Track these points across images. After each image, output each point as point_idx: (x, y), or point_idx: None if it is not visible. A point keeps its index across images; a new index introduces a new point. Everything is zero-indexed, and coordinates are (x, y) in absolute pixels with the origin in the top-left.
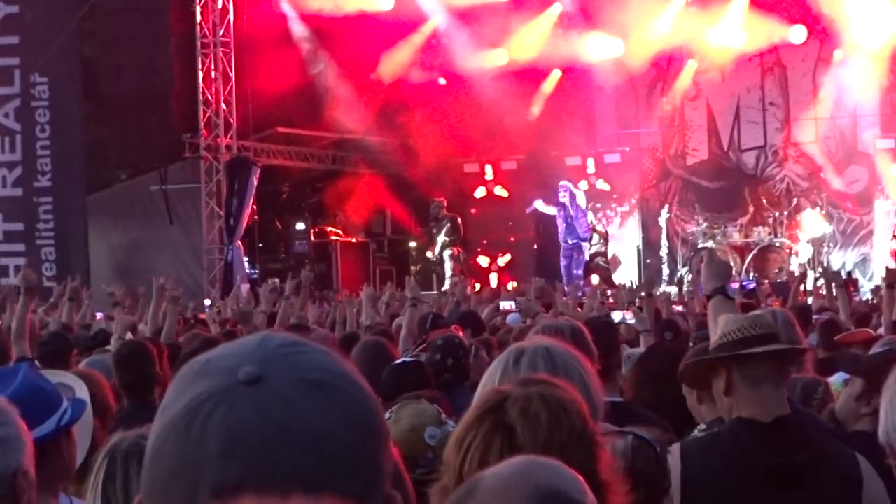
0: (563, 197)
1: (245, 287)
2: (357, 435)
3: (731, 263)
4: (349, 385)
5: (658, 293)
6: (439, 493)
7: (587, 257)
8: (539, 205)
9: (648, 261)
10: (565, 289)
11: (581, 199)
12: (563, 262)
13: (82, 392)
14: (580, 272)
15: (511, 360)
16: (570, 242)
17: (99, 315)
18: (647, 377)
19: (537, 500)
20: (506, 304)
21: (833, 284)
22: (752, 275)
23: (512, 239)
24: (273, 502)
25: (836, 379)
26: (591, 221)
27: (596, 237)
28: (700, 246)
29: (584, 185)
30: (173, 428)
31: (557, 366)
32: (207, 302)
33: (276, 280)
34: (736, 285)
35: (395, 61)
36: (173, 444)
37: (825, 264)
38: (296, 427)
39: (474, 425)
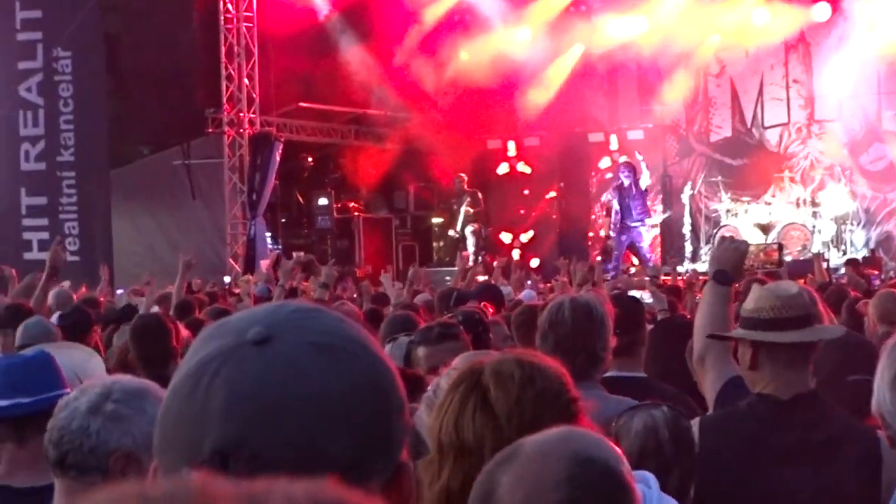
0: (626, 177)
1: (265, 263)
2: (364, 399)
3: (745, 250)
4: (360, 350)
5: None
6: (425, 466)
7: (646, 240)
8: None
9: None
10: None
11: (644, 179)
12: (619, 238)
13: (96, 362)
14: (646, 256)
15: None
16: (629, 224)
17: (120, 292)
18: (653, 352)
19: (575, 464)
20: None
21: None
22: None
23: (535, 215)
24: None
25: None
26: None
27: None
28: (723, 223)
29: (606, 161)
30: (183, 385)
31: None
32: (227, 279)
33: (301, 253)
34: None
35: (419, 36)
36: (182, 400)
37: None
38: (299, 387)
39: (451, 390)
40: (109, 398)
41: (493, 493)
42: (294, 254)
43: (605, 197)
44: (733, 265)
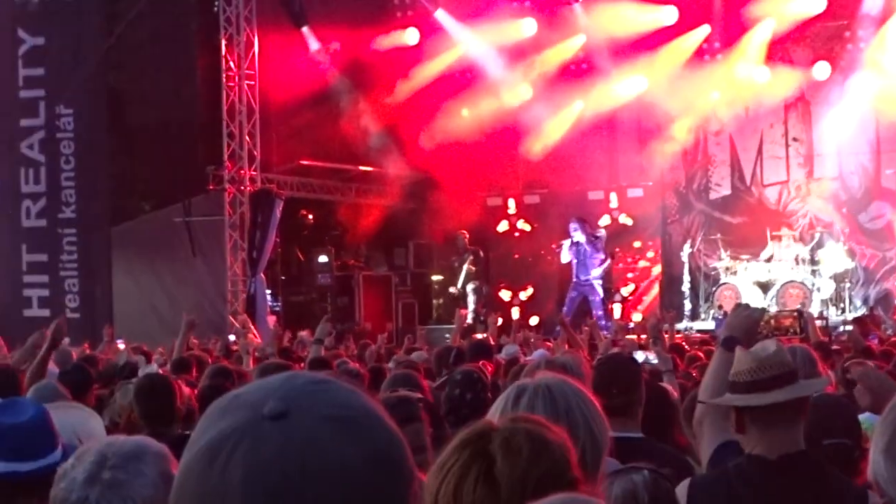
0: (575, 232)
1: (272, 319)
2: (380, 472)
3: (759, 317)
4: (374, 422)
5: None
6: None
7: (601, 294)
8: (564, 249)
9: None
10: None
11: (596, 236)
12: (570, 294)
13: (95, 422)
14: (599, 311)
15: (511, 399)
16: (581, 279)
17: (121, 344)
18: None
19: None
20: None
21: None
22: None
23: (534, 273)
24: None
25: (863, 417)
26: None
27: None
28: (722, 281)
29: (606, 219)
30: (199, 462)
31: (558, 403)
32: (232, 338)
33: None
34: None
35: (420, 93)
36: (198, 477)
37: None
38: (318, 462)
39: (456, 452)
40: (105, 465)
41: None
42: (299, 334)
43: (564, 258)
44: (745, 332)
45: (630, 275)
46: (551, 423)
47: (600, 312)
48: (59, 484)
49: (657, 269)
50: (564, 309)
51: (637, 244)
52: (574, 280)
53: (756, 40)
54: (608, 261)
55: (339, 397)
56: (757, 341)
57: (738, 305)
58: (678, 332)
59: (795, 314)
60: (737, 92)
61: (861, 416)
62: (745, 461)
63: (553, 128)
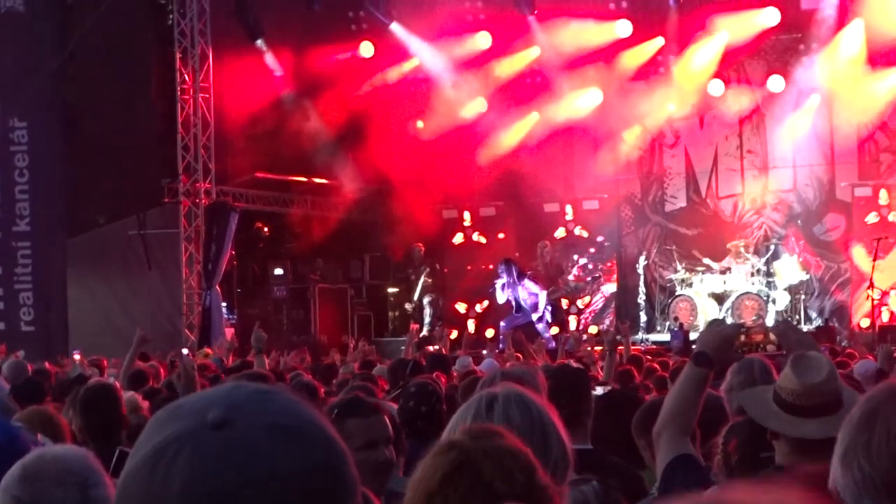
0: (502, 274)
1: (230, 332)
2: (321, 480)
3: (732, 333)
4: (317, 431)
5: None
6: None
7: (547, 319)
8: (498, 291)
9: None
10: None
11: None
12: (514, 314)
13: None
14: (546, 335)
15: (483, 407)
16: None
17: (77, 356)
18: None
19: None
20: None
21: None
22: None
23: (490, 286)
24: None
25: None
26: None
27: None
28: (678, 293)
29: (561, 232)
30: (142, 467)
31: (532, 412)
32: (185, 351)
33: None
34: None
35: (375, 105)
36: (139, 484)
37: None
38: (258, 470)
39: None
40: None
41: None
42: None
43: (500, 299)
44: (716, 348)
45: (585, 287)
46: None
47: (548, 335)
48: None
49: (613, 281)
50: (502, 324)
51: (592, 257)
52: (518, 306)
53: (710, 53)
54: (543, 292)
55: (282, 407)
56: (732, 360)
57: (713, 321)
58: (634, 343)
59: (764, 330)
60: (691, 105)
61: None
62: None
63: (507, 139)
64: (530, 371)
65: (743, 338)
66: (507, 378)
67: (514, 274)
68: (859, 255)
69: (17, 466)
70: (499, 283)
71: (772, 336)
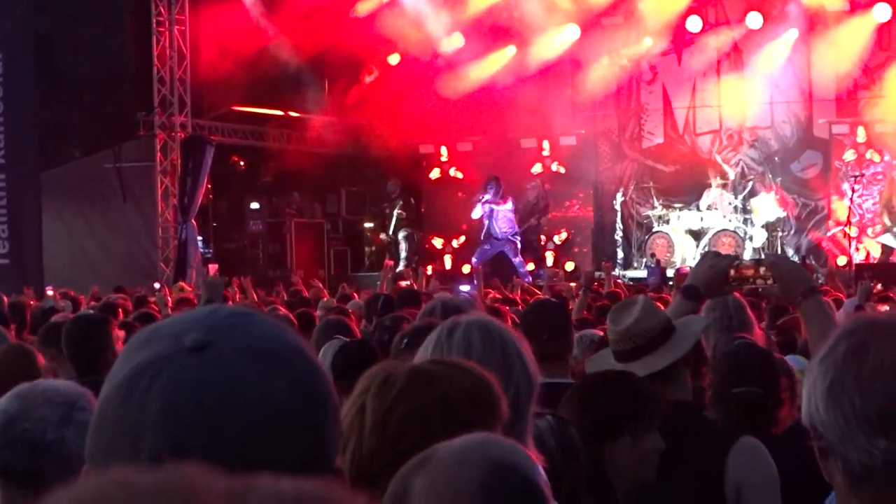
0: (489, 191)
1: (213, 268)
2: (302, 404)
3: (724, 268)
4: (297, 355)
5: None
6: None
7: (518, 251)
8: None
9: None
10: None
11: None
12: (483, 246)
13: None
14: (522, 270)
15: (444, 335)
16: (495, 236)
17: (49, 291)
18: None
19: (490, 472)
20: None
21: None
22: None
23: (466, 221)
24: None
25: (794, 360)
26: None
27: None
28: (655, 230)
29: (538, 167)
30: (117, 393)
31: (493, 339)
32: (157, 286)
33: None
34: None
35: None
36: (115, 409)
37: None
38: (237, 395)
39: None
40: (76, 407)
41: (405, 497)
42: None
43: (475, 214)
44: (707, 283)
45: (562, 222)
46: (480, 363)
47: (523, 270)
48: (21, 423)
49: (589, 217)
50: (474, 259)
51: (569, 192)
52: (488, 234)
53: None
54: (517, 231)
55: (262, 330)
56: (723, 292)
57: (706, 254)
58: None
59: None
60: (668, 40)
61: (791, 359)
62: None
63: (484, 73)
64: (469, 300)
65: (733, 272)
66: (446, 308)
67: (500, 192)
68: (836, 192)
69: (14, 388)
70: (482, 198)
71: (762, 270)
